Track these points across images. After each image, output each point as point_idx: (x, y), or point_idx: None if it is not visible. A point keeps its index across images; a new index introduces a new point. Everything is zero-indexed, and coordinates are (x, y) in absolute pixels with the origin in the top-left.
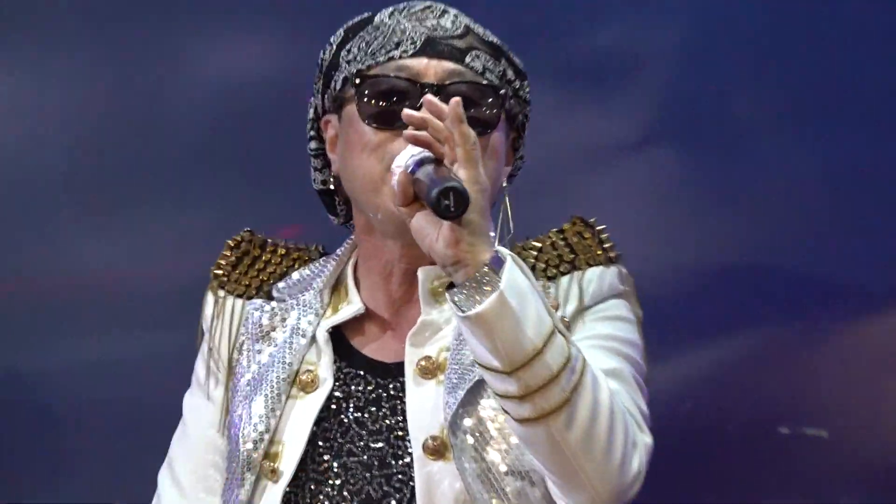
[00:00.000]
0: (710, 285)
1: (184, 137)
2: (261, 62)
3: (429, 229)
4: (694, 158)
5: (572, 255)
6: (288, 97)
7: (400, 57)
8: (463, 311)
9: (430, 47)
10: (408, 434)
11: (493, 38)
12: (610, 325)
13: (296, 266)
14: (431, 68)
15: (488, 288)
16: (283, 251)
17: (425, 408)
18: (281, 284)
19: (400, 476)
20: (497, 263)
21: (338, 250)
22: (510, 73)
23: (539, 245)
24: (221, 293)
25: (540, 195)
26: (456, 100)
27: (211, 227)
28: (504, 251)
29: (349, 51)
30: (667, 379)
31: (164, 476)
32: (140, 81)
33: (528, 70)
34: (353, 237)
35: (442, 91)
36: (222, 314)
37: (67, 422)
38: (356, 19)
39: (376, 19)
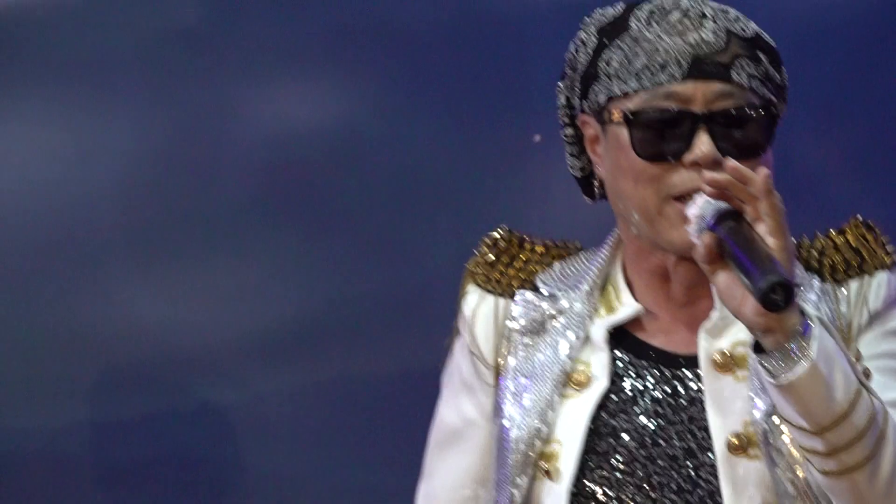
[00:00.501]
0: None
1: (239, 187)
2: (316, 110)
3: (735, 291)
4: None
5: (859, 259)
6: (343, 146)
7: (668, 81)
8: (774, 378)
9: (696, 69)
10: (709, 429)
11: (748, 31)
12: None
13: (556, 261)
14: (699, 92)
15: (799, 355)
16: (542, 248)
17: (725, 403)
18: (548, 278)
19: (706, 469)
20: (804, 325)
21: (602, 247)
22: (770, 69)
23: (821, 246)
24: (480, 292)
25: None
26: (765, 173)
27: (266, 278)
28: (810, 311)
29: (608, 62)
30: None
31: (423, 494)
32: (196, 130)
33: None
34: (614, 234)
35: (711, 121)
36: (483, 315)
37: (145, 475)
38: (607, 19)
39: (633, 27)
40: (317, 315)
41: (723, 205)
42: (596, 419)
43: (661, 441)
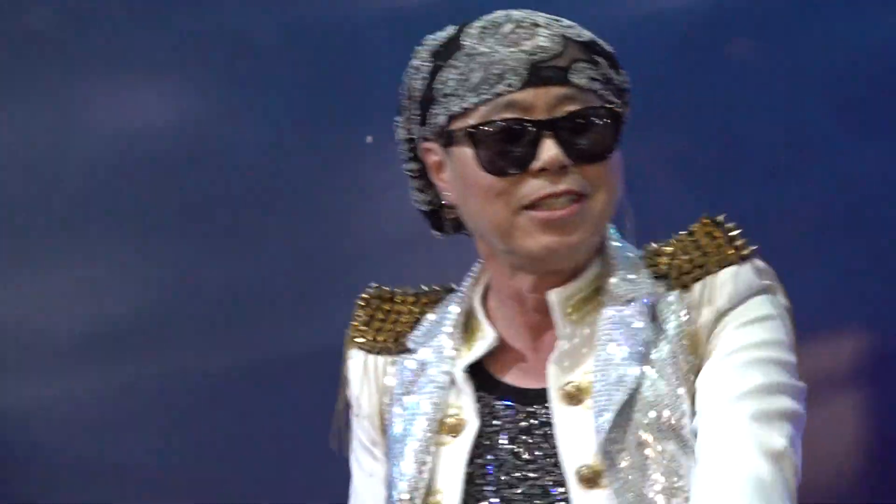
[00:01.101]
0: None
1: (83, 188)
2: (158, 111)
3: None
4: None
5: (703, 259)
6: (184, 146)
7: (507, 91)
8: None
9: (535, 75)
10: (561, 464)
11: (584, 36)
12: (753, 329)
13: (426, 310)
14: (540, 98)
15: None
16: (413, 298)
17: (575, 435)
18: (416, 333)
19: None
20: None
21: (462, 283)
22: (608, 70)
23: (670, 250)
24: (359, 355)
25: None
26: None
27: (107, 275)
28: None
29: (445, 83)
30: None
31: None
32: (38, 133)
33: None
34: (476, 266)
35: (555, 126)
36: (366, 376)
37: None
38: (439, 42)
39: (466, 45)
40: (156, 312)
41: None
42: (471, 464)
43: (526, 479)
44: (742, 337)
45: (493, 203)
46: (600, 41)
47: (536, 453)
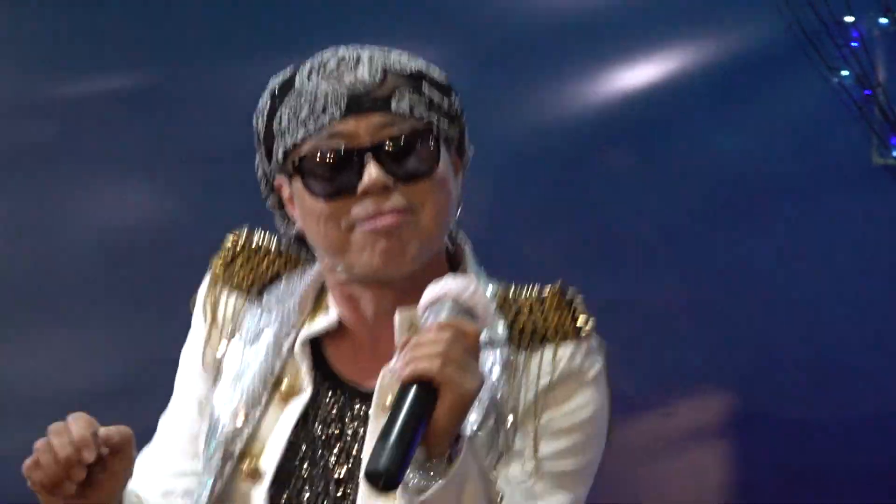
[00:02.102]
0: None
1: (76, 272)
2: (138, 211)
3: None
4: None
5: (545, 330)
6: (162, 237)
7: (329, 123)
8: (408, 489)
9: (355, 105)
10: (360, 465)
11: (411, 65)
12: (567, 437)
13: (283, 270)
14: (362, 127)
15: (438, 473)
16: (275, 255)
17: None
18: (271, 289)
19: (349, 502)
20: (454, 449)
21: (317, 263)
22: (436, 97)
23: (519, 307)
24: (218, 286)
25: None
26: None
27: (98, 347)
28: (466, 432)
29: (280, 121)
30: None
31: (145, 450)
32: (35, 225)
33: None
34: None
35: (377, 150)
36: (220, 305)
37: None
38: (278, 82)
39: (297, 83)
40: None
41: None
42: (296, 428)
43: (327, 464)
44: (554, 443)
45: (326, 225)
46: (431, 70)
47: (344, 447)
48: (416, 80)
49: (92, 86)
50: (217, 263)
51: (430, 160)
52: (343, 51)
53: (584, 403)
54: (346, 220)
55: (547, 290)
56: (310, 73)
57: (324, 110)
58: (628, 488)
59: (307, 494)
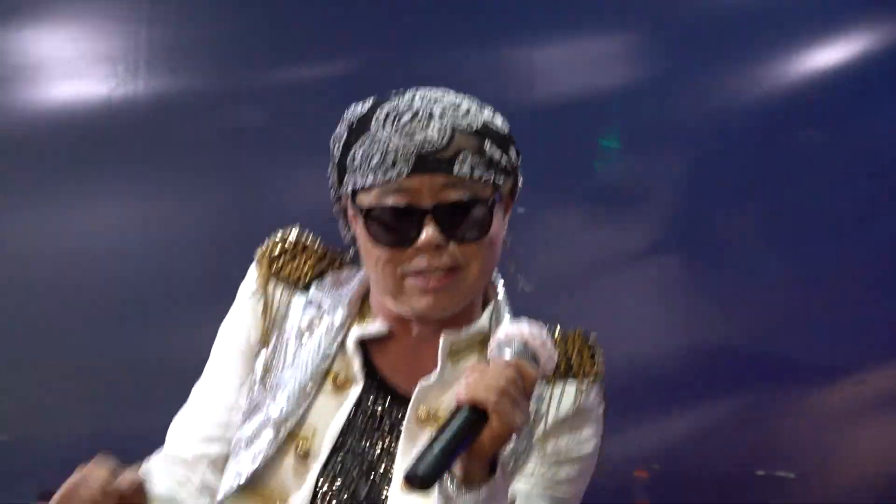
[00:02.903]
0: (700, 362)
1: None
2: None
3: None
4: (689, 266)
5: (568, 367)
6: None
7: (396, 177)
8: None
9: (421, 165)
10: (393, 468)
11: (477, 122)
12: (572, 466)
13: (330, 267)
14: (425, 185)
15: (473, 488)
16: (322, 253)
17: (413, 451)
18: (317, 285)
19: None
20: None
21: (363, 270)
22: (496, 154)
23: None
24: (268, 275)
25: (570, 292)
26: (462, 390)
27: None
28: (504, 458)
29: (353, 158)
30: (676, 431)
31: (191, 408)
32: (242, 208)
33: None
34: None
35: (436, 211)
36: (269, 294)
37: None
38: (356, 117)
39: (373, 127)
40: None
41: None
42: (348, 415)
43: (363, 450)
44: (560, 469)
45: (383, 269)
46: (495, 124)
47: (381, 447)
48: (480, 137)
49: (302, 73)
50: (264, 255)
51: (484, 225)
52: (417, 103)
53: (590, 437)
54: (401, 268)
55: (570, 332)
56: (385, 121)
57: (393, 164)
58: (818, 453)
59: (349, 476)
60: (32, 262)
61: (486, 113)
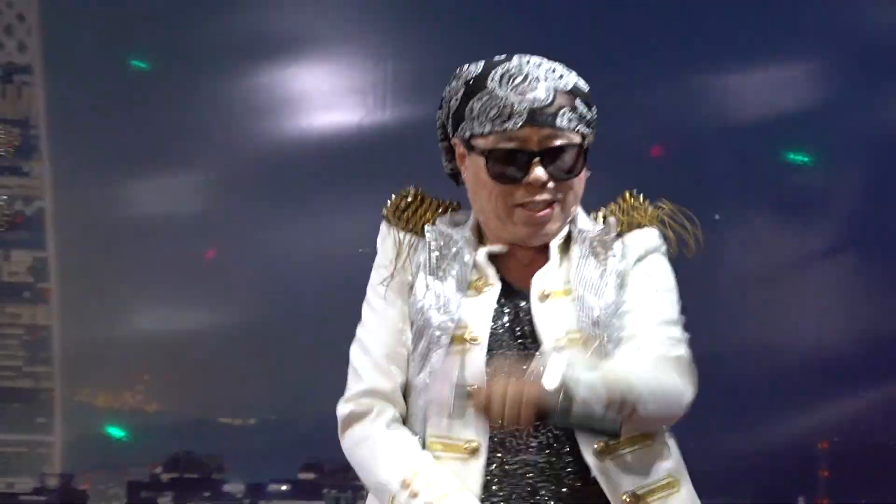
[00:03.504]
0: (876, 347)
1: None
2: None
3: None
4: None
5: (628, 219)
6: None
7: (512, 128)
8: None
9: (531, 119)
10: (538, 335)
11: (571, 84)
12: (655, 276)
13: (436, 213)
14: (534, 135)
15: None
16: (438, 202)
17: (547, 320)
18: (441, 220)
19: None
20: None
21: (466, 214)
22: (584, 110)
23: (613, 209)
24: (396, 229)
25: (763, 286)
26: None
27: None
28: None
29: (472, 109)
30: (854, 408)
31: (357, 352)
32: None
33: None
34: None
35: (543, 155)
36: (401, 246)
37: None
38: (472, 75)
39: (489, 85)
40: None
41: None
42: (495, 306)
43: (510, 331)
44: (649, 280)
45: (495, 200)
46: (580, 85)
47: (524, 329)
48: (572, 96)
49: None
50: (389, 213)
51: (577, 167)
52: (526, 67)
53: (667, 270)
54: (510, 199)
55: (622, 196)
56: (500, 80)
57: (509, 117)
58: None
59: (506, 351)
60: (296, 265)
61: (574, 76)
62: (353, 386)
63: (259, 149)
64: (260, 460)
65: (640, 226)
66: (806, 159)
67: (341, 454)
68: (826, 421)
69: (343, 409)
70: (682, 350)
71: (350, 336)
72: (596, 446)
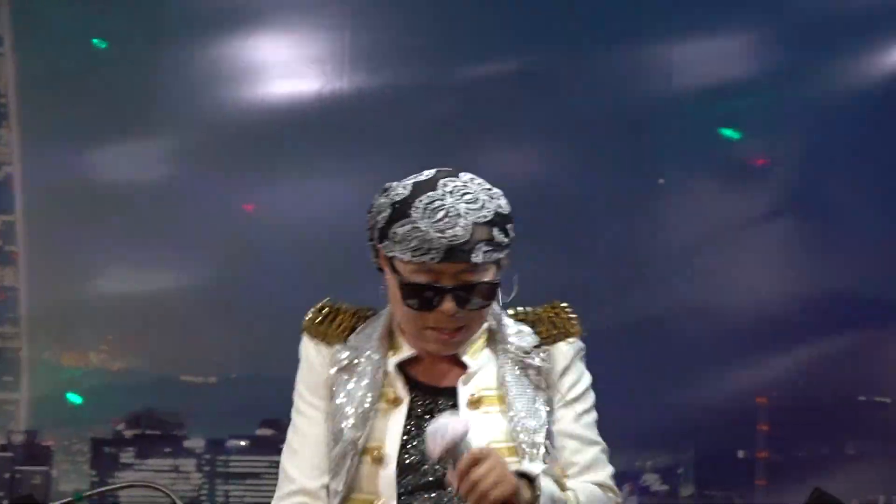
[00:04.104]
0: (812, 306)
1: None
2: (524, 168)
3: None
4: (803, 227)
5: (555, 331)
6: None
7: (429, 262)
8: None
9: (448, 256)
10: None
11: (491, 214)
12: (578, 395)
13: (359, 321)
14: (450, 269)
15: None
16: (353, 312)
17: (478, 427)
18: (354, 336)
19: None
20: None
21: (384, 310)
22: (501, 237)
23: (537, 317)
24: (314, 342)
25: (705, 248)
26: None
27: None
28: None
29: (395, 233)
30: (791, 364)
31: (287, 455)
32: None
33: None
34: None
35: (455, 291)
36: (318, 356)
37: None
38: (399, 198)
39: (413, 214)
40: None
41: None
42: (404, 422)
43: (424, 444)
44: (578, 401)
45: (408, 320)
46: (501, 210)
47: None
48: (490, 226)
49: (482, 70)
50: (309, 326)
51: (488, 297)
52: (449, 200)
53: (585, 375)
54: (422, 322)
55: (548, 305)
56: (424, 212)
57: (427, 252)
58: None
59: (420, 468)
60: (259, 228)
61: (495, 202)
62: (283, 486)
63: (223, 116)
64: (220, 417)
65: (567, 336)
66: (740, 133)
67: None
68: (765, 378)
69: None
70: (609, 467)
71: (312, 298)
72: None
